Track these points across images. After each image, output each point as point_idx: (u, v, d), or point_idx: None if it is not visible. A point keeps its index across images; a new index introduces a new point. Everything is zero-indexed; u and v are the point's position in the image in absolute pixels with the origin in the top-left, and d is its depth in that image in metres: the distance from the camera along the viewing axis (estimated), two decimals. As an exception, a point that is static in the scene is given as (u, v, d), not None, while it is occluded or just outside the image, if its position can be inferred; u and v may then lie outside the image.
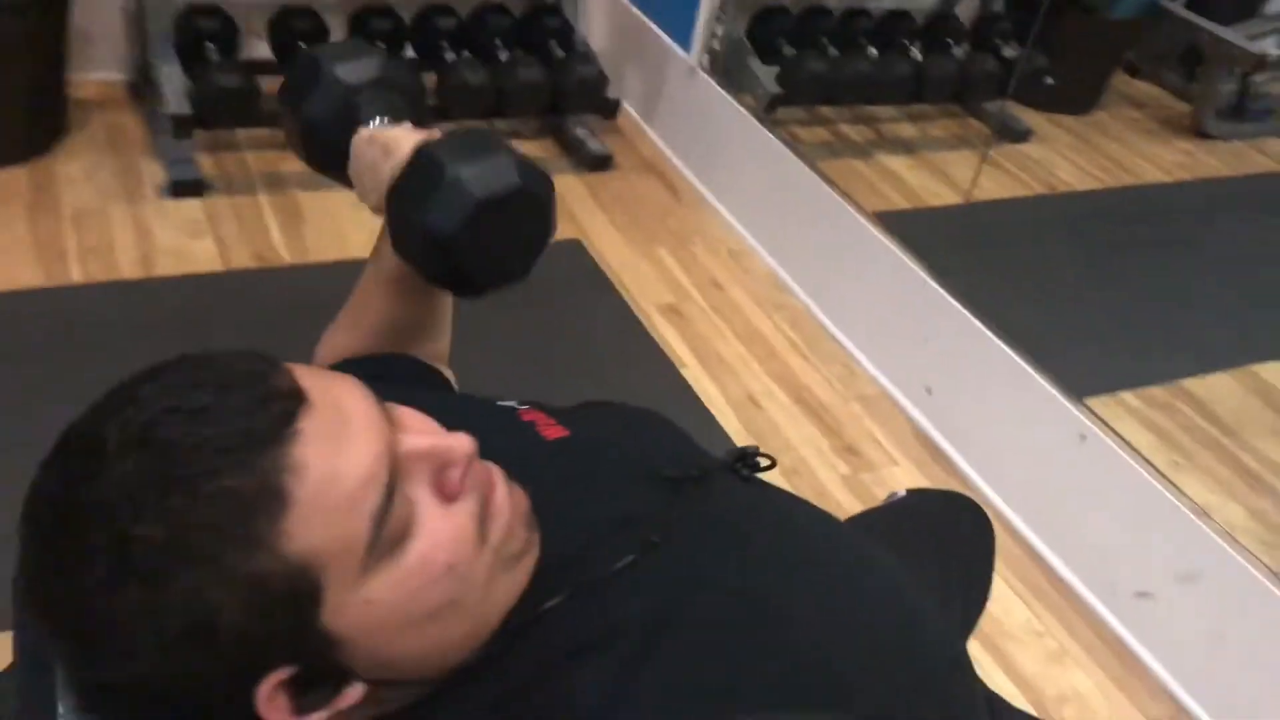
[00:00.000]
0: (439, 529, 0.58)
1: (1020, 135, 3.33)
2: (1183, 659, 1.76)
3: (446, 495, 0.59)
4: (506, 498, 0.64)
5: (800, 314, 2.46)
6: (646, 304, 2.38)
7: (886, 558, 0.85)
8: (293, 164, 2.66)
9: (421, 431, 0.61)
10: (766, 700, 0.64)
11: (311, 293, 2.30)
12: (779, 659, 0.66)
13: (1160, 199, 3.28)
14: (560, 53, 2.75)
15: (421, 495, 0.59)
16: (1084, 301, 2.68)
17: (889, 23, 3.17)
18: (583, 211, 2.65)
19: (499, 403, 0.84)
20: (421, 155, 0.83)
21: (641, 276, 2.47)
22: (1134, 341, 2.58)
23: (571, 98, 2.73)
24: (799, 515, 0.83)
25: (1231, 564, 1.71)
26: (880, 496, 1.99)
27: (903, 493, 1.32)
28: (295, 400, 0.55)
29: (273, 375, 0.56)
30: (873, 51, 3.06)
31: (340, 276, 2.42)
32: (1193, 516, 1.76)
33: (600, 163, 2.82)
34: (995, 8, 3.38)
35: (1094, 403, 2.02)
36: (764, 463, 0.83)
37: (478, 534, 0.60)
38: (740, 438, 2.06)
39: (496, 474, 0.64)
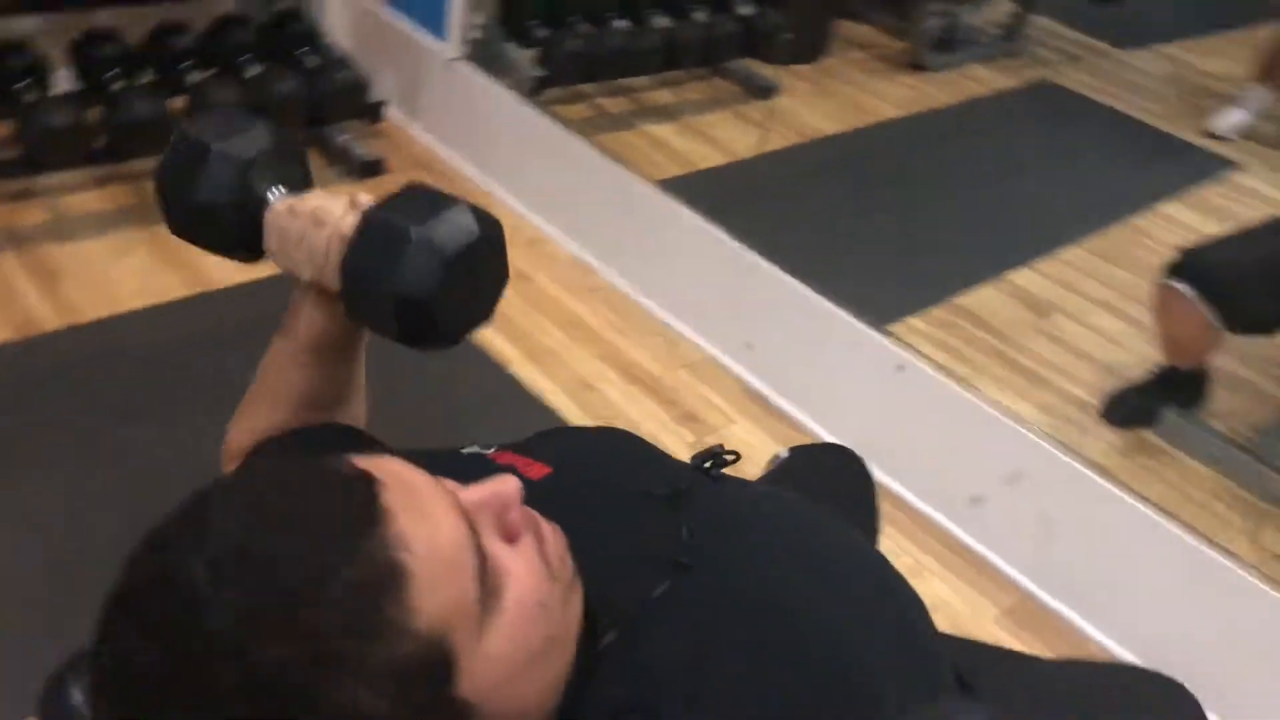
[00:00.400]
0: (522, 571, 0.59)
1: (766, 90, 3.49)
2: (1020, 550, 1.94)
3: (511, 537, 0.60)
4: (550, 528, 0.64)
5: (612, 293, 2.49)
6: (456, 307, 2.34)
7: (850, 528, 0.91)
8: (34, 215, 2.41)
9: (468, 486, 0.60)
10: (796, 694, 0.67)
11: (95, 356, 2.11)
12: (796, 650, 0.69)
13: (898, 132, 3.54)
14: (312, 60, 2.62)
15: (492, 543, 0.59)
16: (856, 237, 2.87)
17: (631, -6, 3.23)
18: (366, 222, 2.55)
19: (462, 451, 0.83)
20: (377, 221, 0.80)
21: (444, 280, 2.42)
22: (906, 269, 2.79)
23: (332, 106, 2.62)
24: (767, 503, 0.87)
25: (1046, 457, 1.90)
26: (741, 467, 2.06)
27: (785, 453, 1.38)
28: (368, 481, 0.54)
29: (334, 464, 0.55)
30: (623, 24, 3.11)
31: (123, 331, 2.22)
32: (1008, 421, 1.95)
33: (371, 168, 2.72)
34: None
35: (894, 330, 2.18)
36: (729, 459, 0.86)
37: (545, 567, 0.61)
38: (585, 423, 2.07)
39: (531, 510, 0.65)
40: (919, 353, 2.07)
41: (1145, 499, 1.85)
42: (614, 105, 3.27)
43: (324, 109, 2.60)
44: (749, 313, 2.29)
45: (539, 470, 0.79)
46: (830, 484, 1.30)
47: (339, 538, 0.50)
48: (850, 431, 2.11)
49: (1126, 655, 1.80)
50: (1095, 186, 3.41)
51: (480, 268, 0.83)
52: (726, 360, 2.32)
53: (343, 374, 0.96)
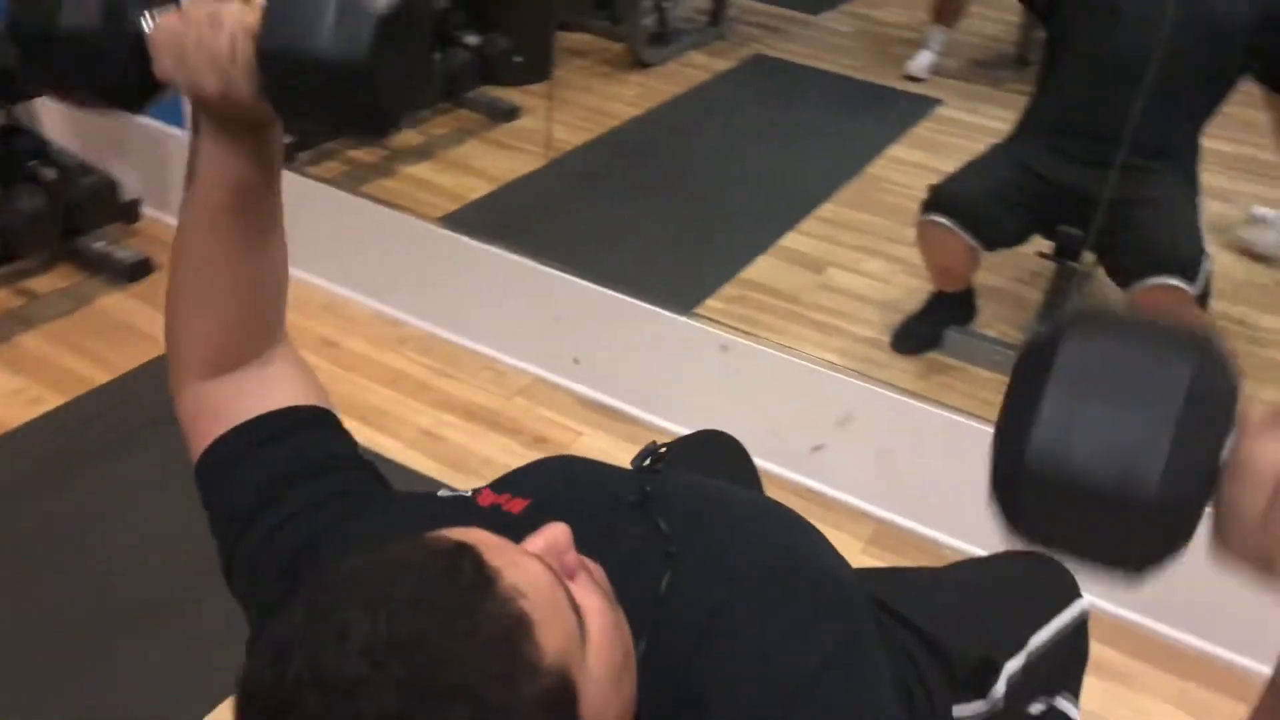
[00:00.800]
0: (593, 601, 0.65)
1: (510, 113, 3.57)
2: (866, 483, 2.12)
3: (571, 575, 0.66)
4: (591, 562, 0.71)
5: (425, 339, 2.50)
6: (272, 390, 2.28)
7: (764, 496, 1.02)
8: None
9: (526, 538, 0.67)
10: (802, 631, 0.78)
11: None
12: (790, 594, 0.82)
13: (642, 129, 3.70)
14: (48, 172, 2.46)
15: (565, 582, 0.65)
16: (636, 236, 3.00)
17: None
18: (148, 324, 2.44)
19: (439, 494, 0.88)
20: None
21: (250, 365, 2.35)
22: (688, 256, 2.95)
23: (83, 214, 2.48)
24: (702, 485, 0.97)
25: (866, 394, 2.10)
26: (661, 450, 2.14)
27: (663, 449, 1.47)
28: (468, 548, 0.59)
29: (432, 542, 0.60)
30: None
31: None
32: (827, 371, 2.13)
33: (139, 270, 2.59)
34: (442, 3, 3.53)
35: (699, 313, 2.32)
36: (663, 450, 0.95)
37: (604, 596, 0.68)
38: (439, 473, 2.08)
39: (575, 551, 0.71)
40: (737, 330, 2.21)
41: (956, 409, 2.08)
42: (367, 156, 3.25)
43: (75, 219, 2.46)
44: (566, 328, 2.37)
45: (519, 504, 0.84)
46: (718, 463, 1.41)
47: (468, 603, 0.56)
48: (692, 415, 2.22)
49: (983, 553, 2.01)
50: (828, 145, 3.70)
51: (407, 37, 0.78)
52: (557, 378, 2.38)
53: (266, 219, 0.90)
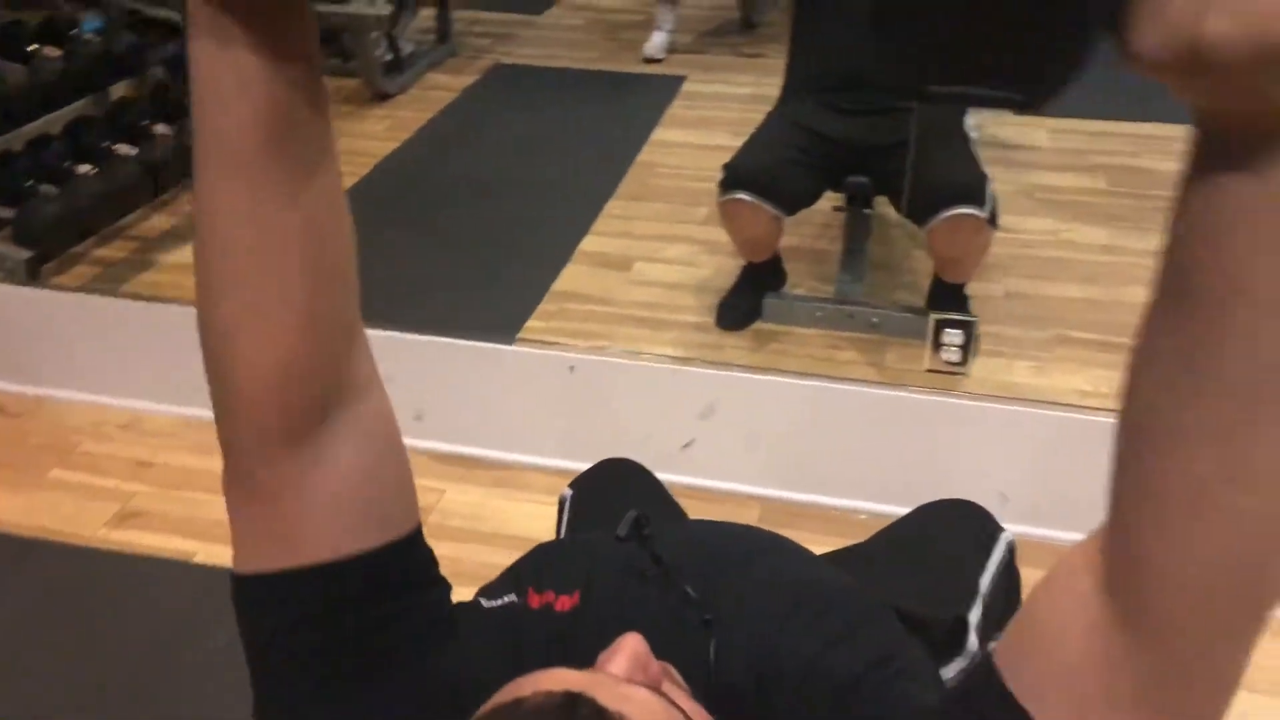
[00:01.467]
0: (691, 706, 0.61)
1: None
2: (744, 466, 2.14)
3: (658, 682, 0.62)
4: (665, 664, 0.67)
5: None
6: (93, 531, 2.06)
7: (734, 524, 1.01)
8: None
9: (606, 657, 0.62)
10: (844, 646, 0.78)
11: None
12: (818, 616, 0.82)
13: (404, 161, 3.58)
14: None
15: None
16: (434, 274, 2.90)
17: (78, 136, 2.94)
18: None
19: (483, 604, 0.80)
20: None
21: (59, 512, 2.11)
22: (495, 282, 2.87)
23: None
24: (690, 533, 0.93)
25: (717, 381, 2.12)
26: (476, 528, 2.06)
27: (570, 491, 1.43)
28: (575, 698, 0.55)
29: (533, 702, 0.55)
30: (87, 168, 2.83)
31: None
32: (677, 368, 2.13)
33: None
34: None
35: (523, 337, 2.27)
36: (645, 516, 0.92)
37: (691, 697, 0.65)
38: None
39: None
40: (566, 345, 2.18)
41: (800, 373, 2.14)
42: (118, 251, 2.98)
43: None
44: (399, 386, 2.17)
45: (565, 601, 0.79)
46: (635, 495, 1.38)
47: None
48: (554, 445, 2.18)
49: (874, 508, 2.05)
50: (594, 142, 3.70)
51: None
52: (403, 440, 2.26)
53: (316, 143, 0.63)
